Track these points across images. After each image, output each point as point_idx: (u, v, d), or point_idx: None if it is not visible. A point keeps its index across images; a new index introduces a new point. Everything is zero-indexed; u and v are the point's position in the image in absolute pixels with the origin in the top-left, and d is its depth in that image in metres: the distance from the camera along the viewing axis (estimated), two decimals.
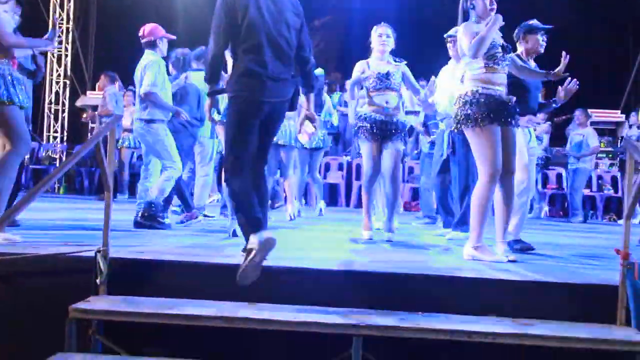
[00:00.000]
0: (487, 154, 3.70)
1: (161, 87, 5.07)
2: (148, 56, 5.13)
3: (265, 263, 3.20)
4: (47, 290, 3.01)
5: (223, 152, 4.97)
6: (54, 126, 13.00)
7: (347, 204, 10.39)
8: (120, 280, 3.04)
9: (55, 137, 12.91)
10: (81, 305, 2.70)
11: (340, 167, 10.72)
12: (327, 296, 2.98)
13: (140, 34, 5.20)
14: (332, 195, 10.53)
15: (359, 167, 10.14)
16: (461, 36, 3.85)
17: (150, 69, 5.00)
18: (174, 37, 5.36)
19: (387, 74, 4.84)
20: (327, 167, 10.54)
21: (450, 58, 5.43)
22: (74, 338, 2.71)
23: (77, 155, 2.73)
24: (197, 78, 6.14)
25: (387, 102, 4.83)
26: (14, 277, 3.02)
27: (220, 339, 2.86)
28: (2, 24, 3.73)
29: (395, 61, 4.96)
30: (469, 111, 3.73)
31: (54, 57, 12.81)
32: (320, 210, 7.36)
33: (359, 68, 4.94)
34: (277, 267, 3.11)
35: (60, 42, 4.67)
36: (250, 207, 3.27)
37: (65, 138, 12.93)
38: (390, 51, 4.96)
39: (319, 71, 6.84)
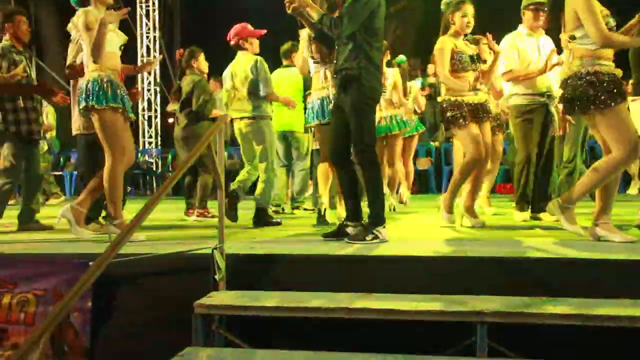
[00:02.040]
0: (624, 130, 3.44)
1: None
2: (241, 57, 5.22)
3: (376, 253, 3.22)
4: (170, 288, 3.15)
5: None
6: (148, 132, 13.58)
7: (439, 190, 10.21)
8: (235, 275, 3.12)
9: (150, 143, 13.49)
10: (205, 301, 2.79)
11: (428, 153, 10.55)
12: (443, 284, 2.94)
13: (228, 37, 5.30)
14: (421, 182, 10.39)
15: (447, 152, 9.94)
16: (586, 9, 3.44)
17: (262, 70, 5.14)
18: (261, 32, 5.37)
19: (478, 56, 4.68)
20: (416, 154, 10.37)
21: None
22: (200, 333, 2.81)
23: (193, 156, 2.83)
24: (285, 75, 6.23)
25: (480, 85, 4.67)
26: (140, 278, 3.17)
27: (336, 330, 2.88)
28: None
29: (467, 42, 4.75)
30: (595, 91, 3.44)
31: None
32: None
33: (449, 45, 4.56)
34: (390, 256, 3.09)
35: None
36: (383, 197, 3.80)
37: (159, 143, 13.47)
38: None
39: (401, 58, 6.76)
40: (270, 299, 2.78)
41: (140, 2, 13.35)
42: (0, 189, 4.79)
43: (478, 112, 4.56)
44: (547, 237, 3.97)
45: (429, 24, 6.11)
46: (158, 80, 13.62)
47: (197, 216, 5.82)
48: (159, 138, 13.57)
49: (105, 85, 3.93)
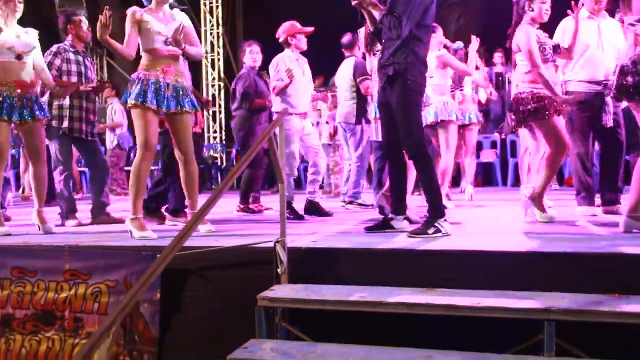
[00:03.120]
0: None
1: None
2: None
3: (439, 247, 3.17)
4: (234, 281, 3.22)
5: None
6: (212, 127, 13.86)
7: (504, 183, 9.94)
8: (298, 269, 3.15)
9: (214, 137, 13.75)
10: (268, 294, 2.83)
11: (493, 145, 10.28)
12: (508, 279, 2.86)
13: (277, 35, 5.44)
14: (486, 175, 10.14)
15: (513, 143, 9.66)
16: None
17: (273, 67, 5.36)
18: (308, 30, 5.41)
19: (558, 45, 4.45)
20: (480, 146, 10.15)
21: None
22: (263, 325, 2.85)
23: (254, 150, 2.87)
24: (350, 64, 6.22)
25: None
26: (205, 270, 3.25)
27: (398, 325, 2.85)
28: None
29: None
30: None
31: (207, 61, 13.66)
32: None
33: (534, 34, 4.32)
34: (452, 250, 3.04)
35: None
36: (439, 189, 3.78)
37: (223, 137, 13.71)
38: None
39: (458, 44, 6.58)
40: (332, 293, 2.80)
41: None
42: (59, 183, 5.09)
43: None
44: (617, 232, 3.80)
45: (494, 12, 5.91)
46: (222, 75, 13.86)
47: (238, 211, 5.83)
48: (223, 133, 13.81)
49: (132, 84, 4.03)
